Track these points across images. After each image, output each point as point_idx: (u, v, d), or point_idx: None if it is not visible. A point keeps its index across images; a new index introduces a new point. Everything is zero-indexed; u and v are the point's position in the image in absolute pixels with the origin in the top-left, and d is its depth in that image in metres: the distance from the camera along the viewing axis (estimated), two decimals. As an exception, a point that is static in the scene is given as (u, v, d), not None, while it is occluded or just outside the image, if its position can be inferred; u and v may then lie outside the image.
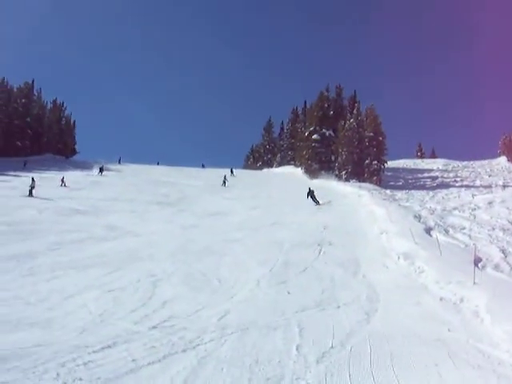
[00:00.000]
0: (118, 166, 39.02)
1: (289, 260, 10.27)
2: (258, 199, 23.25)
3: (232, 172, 38.40)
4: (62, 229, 13.10)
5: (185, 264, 9.71)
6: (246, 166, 68.30)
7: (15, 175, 27.25)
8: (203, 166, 52.53)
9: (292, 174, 44.85)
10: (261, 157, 66.96)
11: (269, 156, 66.42)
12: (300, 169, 48.31)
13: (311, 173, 41.38)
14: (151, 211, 17.90)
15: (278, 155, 63.37)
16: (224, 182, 30.63)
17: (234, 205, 20.69)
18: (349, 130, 36.67)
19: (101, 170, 31.80)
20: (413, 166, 44.34)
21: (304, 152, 44.44)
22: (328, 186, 30.81)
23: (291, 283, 8.44)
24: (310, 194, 21.66)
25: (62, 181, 23.88)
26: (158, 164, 48.64)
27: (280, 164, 61.56)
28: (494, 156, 43.17)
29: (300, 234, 13.56)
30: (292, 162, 57.96)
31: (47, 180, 25.27)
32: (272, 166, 63.03)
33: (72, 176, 27.66)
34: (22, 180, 23.73)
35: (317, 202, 21.05)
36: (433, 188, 27.08)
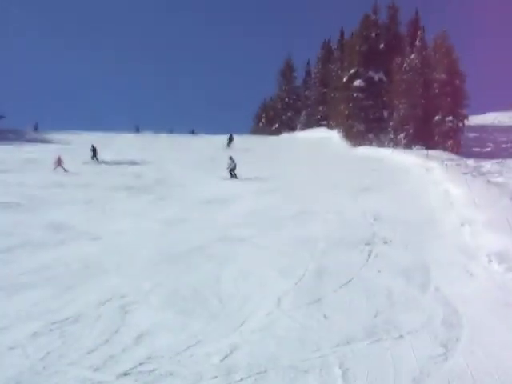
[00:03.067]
0: (65, 136, 39.53)
1: (324, 267, 10.25)
2: (275, 179, 23.38)
3: (230, 141, 38.06)
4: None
5: (168, 277, 9.69)
6: (256, 131, 67.92)
7: None
8: (193, 133, 52.80)
9: (324, 141, 44.71)
10: (277, 116, 66.43)
11: (289, 114, 65.90)
12: (336, 132, 48.03)
13: (353, 137, 41.18)
14: (117, 201, 18.03)
15: (303, 113, 62.89)
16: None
17: (239, 187, 20.91)
18: (409, 72, 36.16)
19: None
20: (508, 123, 43.72)
21: (342, 107, 44.11)
22: (379, 155, 30.62)
23: (328, 302, 8.39)
24: (230, 166, 24.06)
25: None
26: (128, 133, 49.25)
27: (306, 126, 61.11)
28: None
29: (339, 229, 13.58)
30: (324, 123, 57.52)
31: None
32: (294, 130, 62.56)
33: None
34: None
35: (232, 173, 23.73)
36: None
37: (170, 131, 50.52)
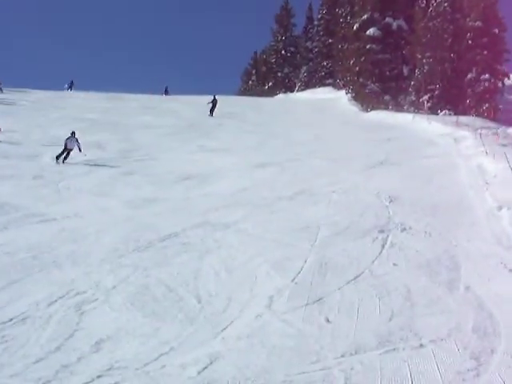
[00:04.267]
0: (10, 95, 39.27)
1: (327, 260, 10.26)
2: (268, 150, 23.37)
3: (214, 106, 36.71)
4: None
5: (136, 271, 9.67)
6: (245, 91, 67.52)
7: None
8: (166, 93, 52.50)
9: (330, 103, 44.63)
10: (271, 73, 66.02)
11: (286, 70, 65.55)
12: (345, 93, 47.77)
13: (366, 99, 40.98)
14: (73, 176, 17.95)
15: (304, 69, 62.56)
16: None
17: (224, 160, 20.87)
18: (436, 18, 35.92)
19: None
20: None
21: (352, 61, 43.89)
22: (397, 122, 30.63)
23: (332, 303, 8.40)
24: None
25: None
26: (86, 91, 49.00)
27: (307, 85, 60.85)
28: None
29: (347, 212, 13.61)
30: (329, 81, 57.24)
31: None
32: (293, 89, 62.28)
33: None
34: None
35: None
36: None
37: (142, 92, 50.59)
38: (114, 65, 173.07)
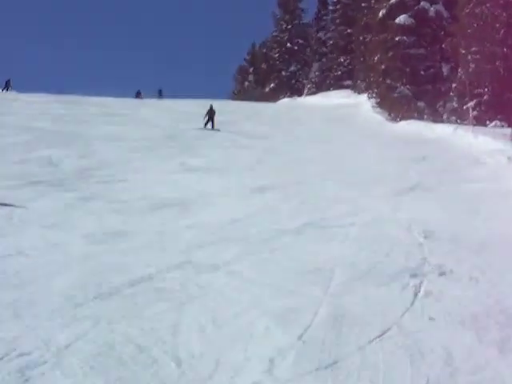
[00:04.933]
0: None
1: (343, 312, 10.19)
2: (269, 169, 23.77)
3: (211, 117, 37.63)
4: None
5: (97, 324, 9.57)
6: (239, 94, 67.56)
7: None
8: (160, 95, 53.43)
9: (348, 111, 44.93)
10: (273, 71, 66.21)
11: (292, 68, 65.85)
12: (367, 97, 47.80)
13: (394, 106, 41.05)
14: (16, 201, 17.70)
15: (315, 66, 62.76)
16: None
17: (211, 182, 21.09)
18: (484, 3, 36.19)
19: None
20: None
21: (377, 57, 44.00)
22: (434, 135, 30.76)
23: (350, 368, 8.29)
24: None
25: None
26: (32, 92, 49.55)
27: (319, 87, 61.12)
28: None
29: (369, 250, 13.62)
30: (348, 83, 57.39)
31: None
32: (300, 93, 62.37)
33: None
34: None
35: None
36: None
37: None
38: (70, 62, 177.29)
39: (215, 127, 34.98)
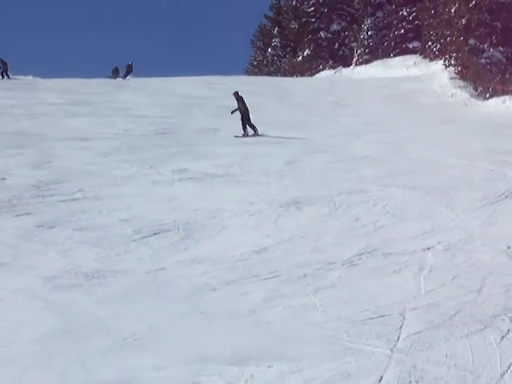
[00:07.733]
0: None
1: (419, 375, 8.31)
2: (306, 173, 20.87)
3: (243, 109, 30.78)
4: None
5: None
6: (261, 66, 63.70)
7: None
8: (116, 74, 49.04)
9: (416, 85, 42.68)
10: (307, 32, 60.39)
11: (334, 28, 60.53)
12: (443, 66, 43.62)
13: (481, 78, 37.56)
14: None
15: (368, 22, 57.00)
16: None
17: (223, 195, 18.39)
18: None
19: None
20: None
21: (454, 8, 39.92)
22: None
23: None
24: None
25: None
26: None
27: (373, 53, 56.25)
28: None
29: (452, 285, 11.36)
30: (413, 45, 52.48)
31: None
32: (349, 63, 58.07)
33: None
34: None
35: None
36: None
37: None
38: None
39: (257, 129, 27.20)
